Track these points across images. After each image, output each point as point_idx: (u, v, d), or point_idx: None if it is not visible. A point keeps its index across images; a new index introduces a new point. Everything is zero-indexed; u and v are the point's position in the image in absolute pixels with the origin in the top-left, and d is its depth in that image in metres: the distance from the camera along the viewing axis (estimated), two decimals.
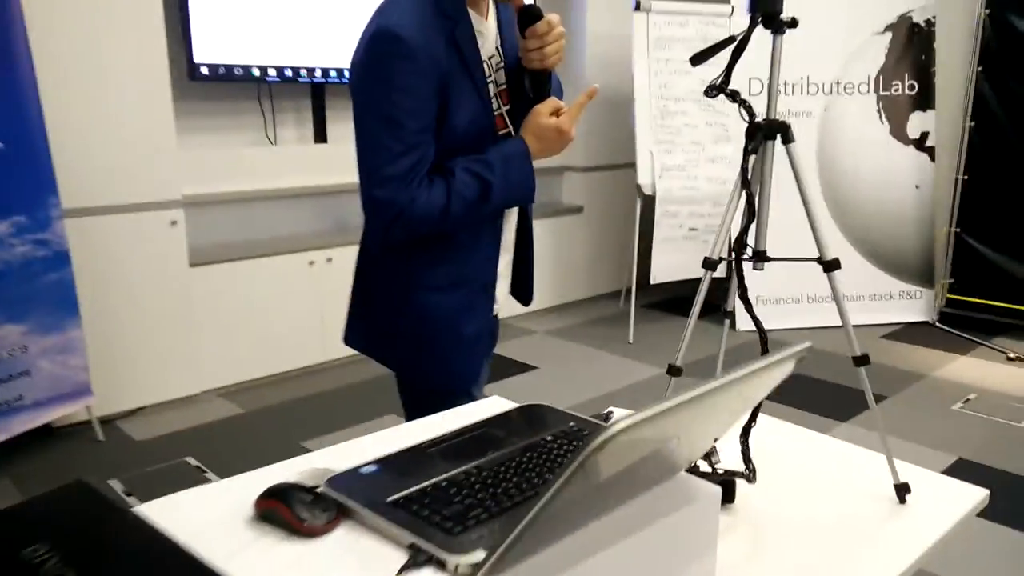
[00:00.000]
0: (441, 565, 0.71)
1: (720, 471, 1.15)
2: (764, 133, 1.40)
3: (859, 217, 4.59)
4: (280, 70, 3.61)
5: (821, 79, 4.51)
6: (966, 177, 4.42)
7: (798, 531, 1.19)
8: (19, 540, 0.70)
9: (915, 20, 4.52)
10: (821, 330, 4.43)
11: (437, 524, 0.74)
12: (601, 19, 4.73)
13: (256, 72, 3.55)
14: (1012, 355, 4.02)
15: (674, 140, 4.38)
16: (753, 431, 1.31)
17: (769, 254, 1.61)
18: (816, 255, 1.49)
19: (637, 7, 4.23)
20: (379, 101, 1.24)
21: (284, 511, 0.77)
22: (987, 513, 2.56)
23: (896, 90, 4.55)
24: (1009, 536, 2.44)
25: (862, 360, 1.38)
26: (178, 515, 0.80)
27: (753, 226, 1.29)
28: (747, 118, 1.31)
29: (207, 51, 3.38)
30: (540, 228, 4.78)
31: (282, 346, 3.53)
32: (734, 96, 1.29)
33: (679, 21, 4.34)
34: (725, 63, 1.40)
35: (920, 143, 4.58)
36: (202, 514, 0.81)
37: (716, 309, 4.55)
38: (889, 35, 4.52)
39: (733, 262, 1.20)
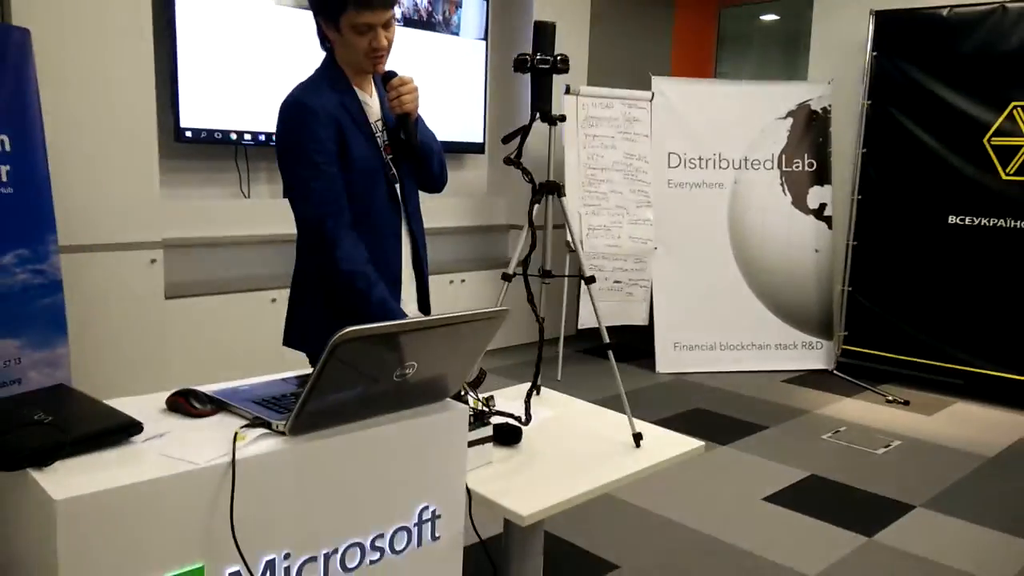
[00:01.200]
0: (268, 426, 1.24)
1: (503, 415, 1.70)
2: (546, 190, 1.96)
3: (767, 275, 5.19)
4: (255, 135, 4.21)
5: (732, 156, 5.17)
6: (856, 243, 5.04)
7: (559, 458, 1.73)
8: (20, 406, 1.22)
9: (813, 108, 5.21)
10: (736, 374, 4.97)
11: (271, 407, 1.29)
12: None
13: (234, 136, 4.15)
14: (890, 398, 4.57)
15: (600, 204, 5.00)
16: (542, 397, 1.85)
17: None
18: (580, 273, 2.02)
19: (567, 91, 4.90)
20: (296, 149, 1.77)
21: (182, 401, 1.31)
22: (814, 511, 3.08)
23: (797, 167, 5.20)
24: (830, 529, 2.94)
25: (609, 346, 1.94)
26: (123, 405, 1.32)
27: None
28: (528, 180, 1.87)
29: (192, 117, 3.99)
30: (489, 280, 5.35)
31: (243, 370, 4.03)
32: (520, 166, 1.85)
33: (604, 103, 5.01)
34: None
35: (819, 213, 5.22)
36: (137, 404, 1.34)
37: (640, 354, 5.11)
38: (791, 120, 5.20)
39: (524, 276, 1.76)
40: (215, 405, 1.33)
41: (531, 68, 1.86)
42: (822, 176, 5.22)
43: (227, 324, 3.97)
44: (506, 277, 2.02)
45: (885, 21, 4.90)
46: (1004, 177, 4.52)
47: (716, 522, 2.98)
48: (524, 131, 1.88)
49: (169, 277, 3.86)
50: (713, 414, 4.27)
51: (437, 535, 1.42)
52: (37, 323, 3.19)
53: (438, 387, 1.42)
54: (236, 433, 1.18)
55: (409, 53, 4.82)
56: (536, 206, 1.89)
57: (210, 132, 4.07)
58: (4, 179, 3.07)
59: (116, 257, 3.59)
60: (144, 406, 1.32)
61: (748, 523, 3.00)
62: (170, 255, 3.88)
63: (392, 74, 1.88)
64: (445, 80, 5.13)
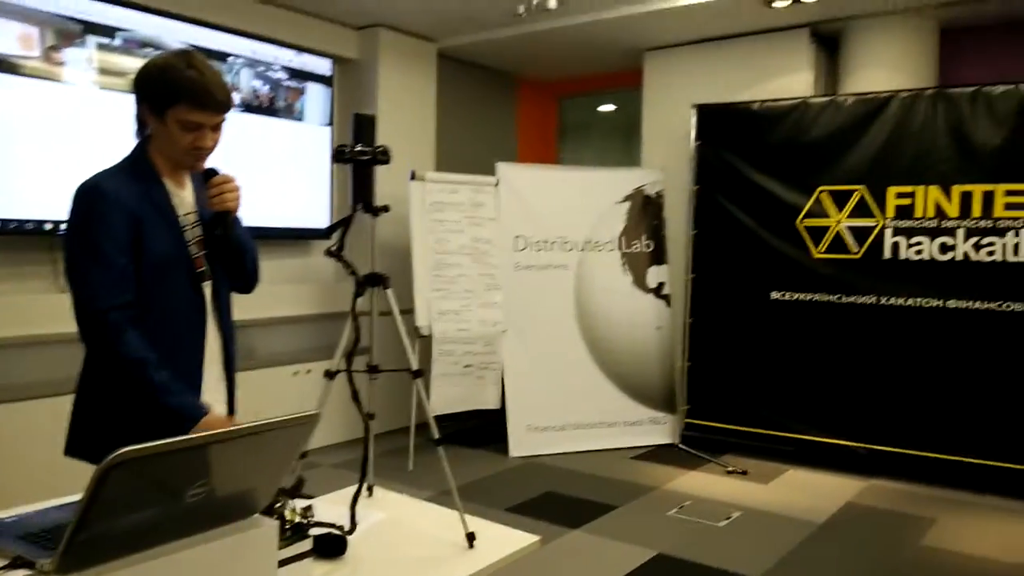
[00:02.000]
0: (31, 566, 1.09)
1: (324, 525, 1.59)
2: (369, 282, 1.93)
3: (612, 354, 5.33)
4: None
5: (575, 238, 5.35)
6: (692, 319, 5.30)
7: (386, 567, 1.64)
8: None
9: (647, 192, 5.51)
10: (587, 453, 5.02)
11: (38, 543, 1.14)
12: (389, 182, 5.40)
13: (49, 226, 3.85)
14: (730, 468, 4.75)
15: (449, 288, 5.01)
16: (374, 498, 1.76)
17: None
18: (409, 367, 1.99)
19: (412, 177, 4.94)
20: (84, 235, 1.67)
21: None
22: None
23: (636, 248, 5.46)
24: None
25: (439, 441, 1.90)
26: None
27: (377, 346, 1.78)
28: (350, 273, 1.83)
29: (8, 206, 3.67)
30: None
31: (47, 489, 3.63)
32: (341, 258, 1.81)
33: (450, 188, 5.08)
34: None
35: (658, 291, 5.46)
36: None
37: (493, 438, 5.07)
38: (628, 203, 5.47)
39: (347, 372, 1.69)
40: None
41: (350, 159, 1.84)
42: (659, 256, 5.49)
43: (56, 429, 3.58)
44: (328, 375, 1.94)
45: (706, 114, 5.30)
46: (815, 255, 4.92)
47: None
48: (346, 222, 1.84)
49: None
50: (564, 497, 4.26)
51: None
52: None
53: (244, 502, 1.31)
54: None
55: (251, 138, 4.72)
56: (359, 299, 1.84)
57: (20, 222, 3.76)
58: None
59: None
60: None
61: None
62: None
63: (213, 171, 1.81)
64: (289, 165, 5.04)
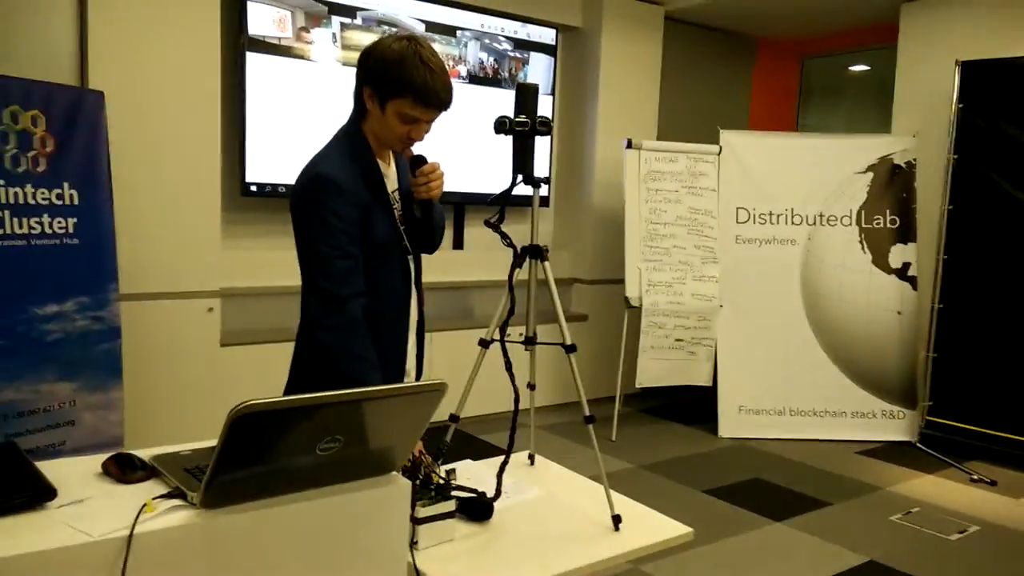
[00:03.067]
0: (184, 497, 1.23)
1: (467, 490, 1.63)
2: (528, 254, 1.90)
3: (842, 337, 4.89)
4: None
5: (805, 211, 4.94)
6: (942, 305, 4.69)
7: (527, 539, 1.65)
8: None
9: (896, 162, 4.93)
10: (805, 442, 4.68)
11: (193, 476, 1.27)
12: (608, 150, 5.35)
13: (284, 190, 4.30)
14: (975, 476, 4.18)
15: (662, 259, 4.87)
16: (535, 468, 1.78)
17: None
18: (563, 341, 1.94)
19: (629, 145, 4.83)
20: (323, 224, 1.71)
21: (112, 466, 1.32)
22: None
23: (878, 223, 4.92)
24: None
25: (590, 419, 1.85)
26: (60, 467, 1.34)
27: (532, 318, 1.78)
28: (508, 244, 1.81)
29: (258, 172, 4.16)
30: (550, 333, 5.26)
31: None
32: (499, 230, 1.80)
33: (669, 157, 4.91)
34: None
35: (902, 272, 4.90)
36: (76, 467, 1.35)
37: (702, 417, 4.90)
38: (871, 174, 4.94)
39: (501, 343, 1.70)
40: (148, 471, 1.33)
41: (510, 130, 1.82)
42: (906, 234, 4.91)
43: (283, 372, 4.05)
44: (483, 343, 1.97)
45: (972, 71, 4.61)
46: None
47: None
48: (506, 194, 1.84)
49: (227, 325, 4.00)
50: (773, 486, 4.01)
51: None
52: (94, 367, 3.35)
53: (377, 460, 1.37)
54: (146, 503, 1.17)
55: (475, 108, 4.89)
56: (517, 270, 1.84)
57: (275, 186, 4.23)
58: (71, 231, 3.26)
59: (173, 305, 3.75)
60: (83, 469, 1.34)
61: None
62: (227, 304, 4.01)
63: (422, 159, 1.84)
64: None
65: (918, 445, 4.67)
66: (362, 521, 1.34)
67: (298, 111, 4.25)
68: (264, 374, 4.03)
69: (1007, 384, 4.43)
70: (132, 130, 3.58)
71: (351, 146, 1.80)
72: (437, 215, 1.94)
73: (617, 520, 1.66)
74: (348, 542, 1.32)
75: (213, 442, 1.33)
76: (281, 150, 4.23)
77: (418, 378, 2.07)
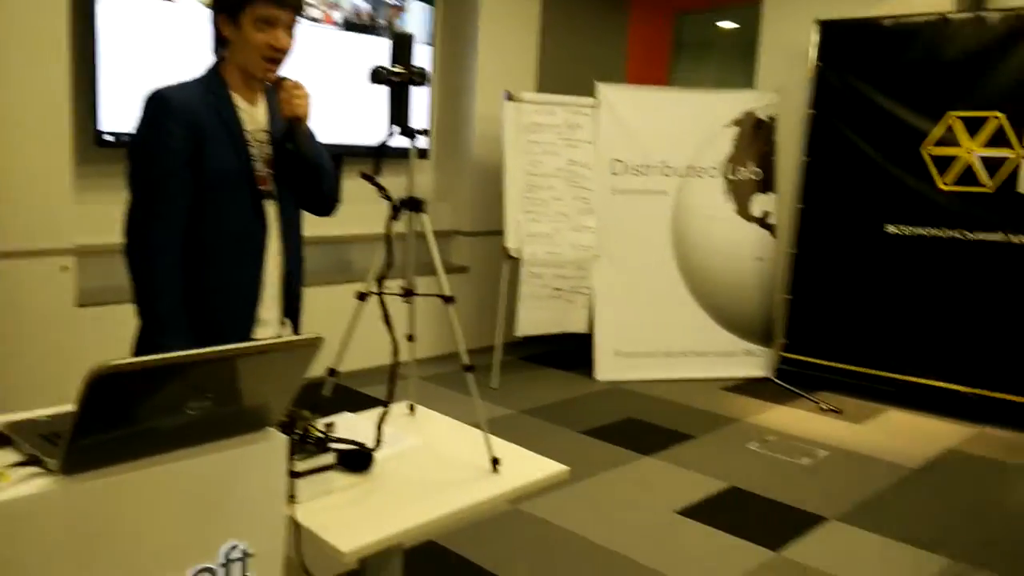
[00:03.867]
0: (41, 464, 1.19)
1: (346, 442, 1.65)
2: (407, 206, 1.92)
3: (708, 283, 5.17)
4: None
5: (676, 163, 5.14)
6: (796, 252, 5.03)
7: (408, 486, 1.68)
8: None
9: (759, 116, 5.19)
10: (675, 382, 4.95)
11: (50, 442, 1.23)
12: (488, 102, 5.34)
13: None
14: (824, 406, 4.56)
15: (541, 211, 4.96)
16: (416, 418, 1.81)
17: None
18: (441, 292, 1.99)
19: (508, 97, 4.85)
20: (145, 142, 1.75)
21: None
22: (727, 524, 3.05)
23: (742, 174, 5.19)
24: (738, 543, 2.92)
25: (469, 368, 1.91)
26: None
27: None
28: (384, 197, 1.82)
29: (115, 121, 3.91)
30: (430, 286, 5.26)
31: None
32: (375, 183, 1.80)
33: (547, 110, 4.97)
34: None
35: (762, 221, 5.20)
36: None
37: (580, 362, 5.08)
38: (736, 128, 5.18)
39: (379, 295, 1.71)
40: (0, 439, 1.27)
41: (386, 80, 1.81)
42: (767, 184, 5.20)
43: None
44: (360, 296, 1.98)
45: (829, 31, 4.89)
46: (941, 187, 4.53)
47: (623, 537, 2.95)
48: (382, 146, 1.83)
49: (83, 284, 3.78)
50: (645, 423, 4.24)
51: (249, 575, 1.36)
52: None
53: (251, 418, 1.36)
54: (0, 472, 1.13)
55: (351, 57, 4.76)
56: (395, 222, 1.84)
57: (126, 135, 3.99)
58: None
59: (24, 264, 3.51)
60: None
61: (657, 538, 2.97)
62: (85, 262, 3.79)
63: (285, 78, 1.84)
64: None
65: (775, 380, 5.04)
66: (237, 479, 1.33)
67: (158, 54, 4.00)
68: (125, 335, 3.85)
69: (853, 322, 4.84)
70: None
71: (205, 78, 1.84)
72: (315, 150, 1.89)
73: (495, 463, 1.73)
74: (223, 501, 1.32)
75: (72, 407, 1.28)
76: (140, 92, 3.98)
77: (295, 333, 2.07)
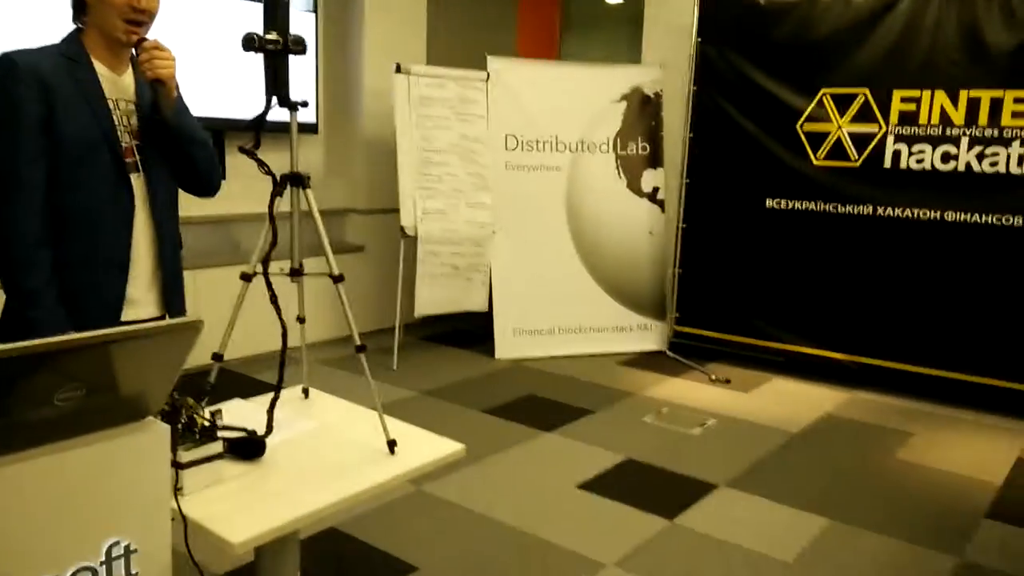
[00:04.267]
0: None
1: (235, 429, 1.57)
2: (290, 182, 1.84)
3: (603, 259, 5.25)
4: None
5: (568, 138, 5.18)
6: (685, 226, 5.18)
7: (302, 472, 1.62)
8: None
9: (646, 92, 5.29)
10: (573, 358, 5.01)
11: None
12: (377, 74, 5.21)
13: None
14: (714, 377, 4.74)
15: (435, 187, 4.89)
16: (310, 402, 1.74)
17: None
18: (330, 271, 1.93)
19: (398, 70, 4.74)
20: None
21: None
22: (624, 496, 3.12)
23: (631, 150, 5.28)
24: (635, 514, 2.99)
25: (361, 348, 1.87)
26: None
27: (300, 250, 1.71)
28: (264, 172, 1.74)
29: None
30: (320, 266, 5.10)
31: None
32: (255, 157, 1.71)
33: (438, 83, 4.89)
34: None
35: (652, 196, 5.32)
36: None
37: (479, 340, 5.07)
38: (625, 104, 5.26)
39: (264, 276, 1.63)
40: None
41: (260, 48, 1.72)
42: (655, 159, 5.32)
43: None
44: (244, 277, 1.89)
45: (709, 7, 5.01)
46: (815, 162, 4.75)
47: (526, 513, 2.97)
48: (260, 118, 1.73)
49: None
50: (544, 400, 4.28)
51: (135, 572, 1.28)
52: None
53: (128, 407, 1.27)
54: None
55: (233, 24, 4.52)
56: (278, 199, 1.76)
57: None
58: None
59: None
60: None
61: (558, 513, 3.00)
62: None
63: (146, 39, 1.73)
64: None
65: (668, 353, 5.20)
66: (115, 472, 1.24)
67: (16, 23, 3.67)
68: None
69: (739, 294, 5.03)
70: None
71: (63, 44, 1.74)
72: (186, 122, 1.81)
73: (392, 444, 1.69)
74: (101, 496, 1.23)
75: None
76: None
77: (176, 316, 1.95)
